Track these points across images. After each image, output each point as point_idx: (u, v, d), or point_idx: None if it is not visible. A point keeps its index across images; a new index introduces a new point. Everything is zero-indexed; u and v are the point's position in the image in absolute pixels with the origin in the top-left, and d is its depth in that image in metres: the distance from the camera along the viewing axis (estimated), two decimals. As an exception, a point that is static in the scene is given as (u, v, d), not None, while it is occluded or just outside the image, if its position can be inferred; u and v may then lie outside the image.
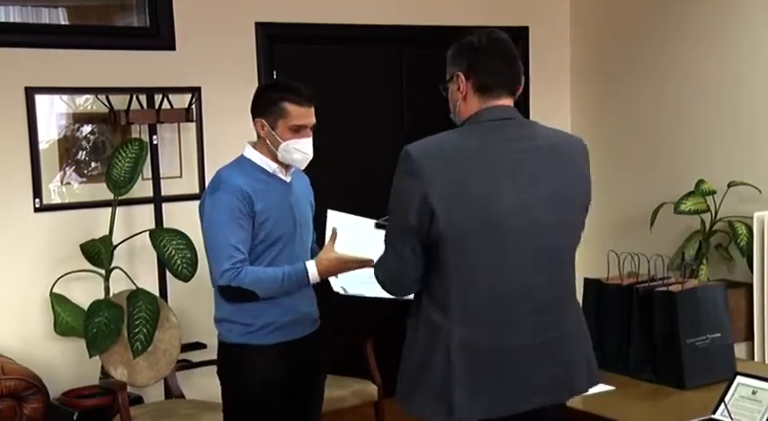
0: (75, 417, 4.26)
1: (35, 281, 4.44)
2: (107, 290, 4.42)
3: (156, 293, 4.54)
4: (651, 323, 3.07)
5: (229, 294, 3.07)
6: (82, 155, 4.63)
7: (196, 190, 4.79)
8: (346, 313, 4.02)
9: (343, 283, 3.11)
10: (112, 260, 4.44)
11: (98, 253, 4.41)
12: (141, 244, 4.58)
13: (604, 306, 3.22)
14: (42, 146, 4.52)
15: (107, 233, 4.40)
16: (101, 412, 4.28)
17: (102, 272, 4.43)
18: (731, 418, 2.61)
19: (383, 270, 2.52)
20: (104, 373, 4.34)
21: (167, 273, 4.51)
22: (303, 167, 3.22)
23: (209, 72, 4.88)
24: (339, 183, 4.96)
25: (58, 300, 4.34)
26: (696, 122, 5.34)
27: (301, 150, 3.13)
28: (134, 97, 4.57)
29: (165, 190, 4.70)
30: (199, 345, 4.71)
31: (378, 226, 2.85)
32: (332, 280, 3.11)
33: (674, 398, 2.96)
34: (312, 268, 3.02)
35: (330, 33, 5.23)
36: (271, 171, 3.17)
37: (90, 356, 4.22)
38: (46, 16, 4.62)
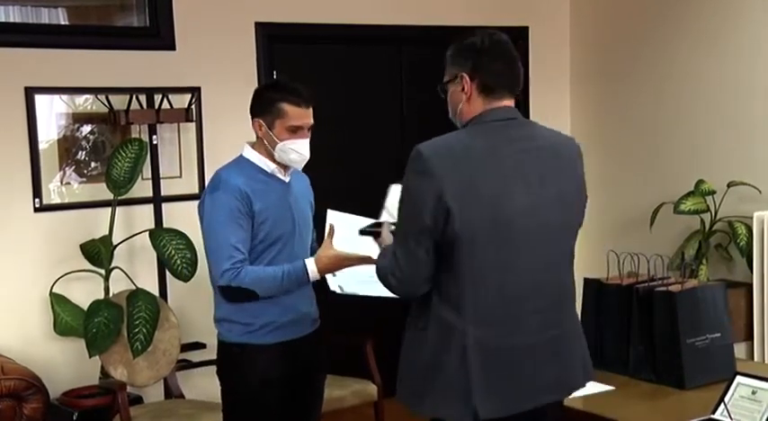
0: (74, 417, 4.26)
1: (35, 281, 4.44)
2: (107, 290, 4.42)
3: (156, 293, 4.54)
4: (651, 323, 3.07)
5: (230, 294, 3.08)
6: (82, 155, 4.63)
7: (196, 190, 4.79)
8: (346, 313, 4.02)
9: (341, 282, 3.12)
10: (112, 260, 4.44)
11: (98, 253, 4.41)
12: (141, 244, 4.58)
13: (604, 306, 3.22)
14: (42, 146, 4.52)
15: (107, 233, 4.40)
16: (100, 412, 4.28)
17: (102, 272, 4.43)
18: (731, 418, 2.61)
19: (393, 271, 2.47)
20: (104, 373, 4.34)
21: (167, 273, 4.51)
22: (300, 168, 3.22)
23: (208, 72, 4.88)
24: (339, 182, 4.96)
25: (57, 300, 4.34)
26: (696, 122, 5.34)
27: (298, 151, 3.13)
28: (134, 97, 4.57)
29: (165, 190, 4.70)
30: (198, 345, 4.71)
31: (362, 233, 2.84)
32: (329, 279, 3.11)
33: (673, 398, 2.96)
34: (311, 266, 3.02)
35: (330, 33, 5.23)
36: (269, 171, 3.18)
37: (90, 356, 4.22)
38: (46, 16, 4.62)
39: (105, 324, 4.16)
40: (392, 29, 5.42)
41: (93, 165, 4.66)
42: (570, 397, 2.91)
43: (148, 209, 4.67)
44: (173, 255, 4.34)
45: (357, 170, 5.35)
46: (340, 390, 4.36)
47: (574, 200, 2.57)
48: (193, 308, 4.59)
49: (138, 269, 4.63)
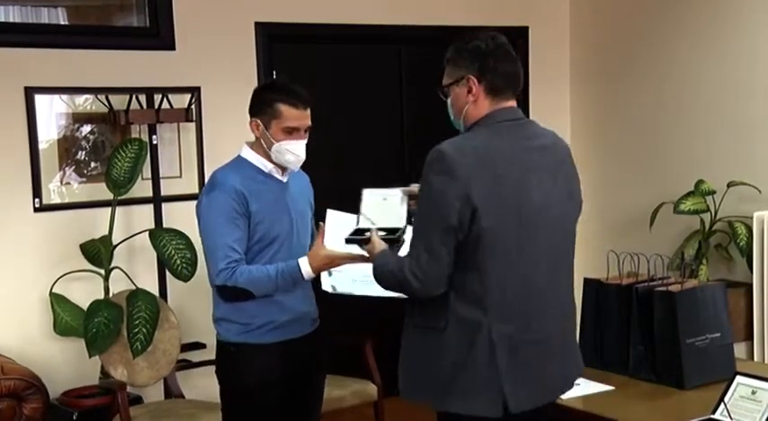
0: (74, 417, 4.26)
1: (35, 281, 4.44)
2: (107, 290, 4.42)
3: (156, 293, 4.54)
4: (651, 323, 3.07)
5: (226, 293, 3.09)
6: (81, 155, 4.63)
7: (196, 190, 4.79)
8: (346, 313, 4.02)
9: (334, 282, 3.12)
10: (112, 260, 4.44)
11: (98, 253, 4.41)
12: (141, 244, 4.58)
13: (604, 306, 3.22)
14: (42, 146, 4.52)
15: (107, 233, 4.40)
16: (100, 412, 4.28)
17: (102, 272, 4.43)
18: (731, 418, 2.61)
19: (414, 271, 2.47)
20: (104, 373, 4.34)
21: (167, 272, 4.51)
22: (296, 169, 3.22)
23: (208, 72, 4.88)
24: (339, 182, 4.95)
25: (57, 300, 4.34)
26: (696, 122, 5.34)
27: (294, 152, 3.13)
28: (134, 97, 4.57)
29: (165, 190, 4.70)
30: (198, 345, 4.71)
31: (349, 241, 2.84)
32: (323, 278, 3.12)
33: (673, 398, 2.96)
34: (305, 265, 3.02)
35: (330, 33, 5.23)
36: (267, 171, 3.18)
37: (90, 356, 4.22)
38: (46, 16, 4.62)
39: (105, 324, 4.16)
40: (392, 29, 5.42)
41: (92, 164, 4.66)
42: (570, 396, 2.92)
43: (148, 209, 4.67)
44: (173, 255, 4.34)
45: (357, 170, 5.35)
46: (340, 390, 4.36)
47: (575, 196, 2.67)
48: (193, 308, 4.59)
49: (137, 269, 4.63)
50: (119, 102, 4.57)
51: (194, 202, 3.22)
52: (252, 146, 3.20)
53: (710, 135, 5.26)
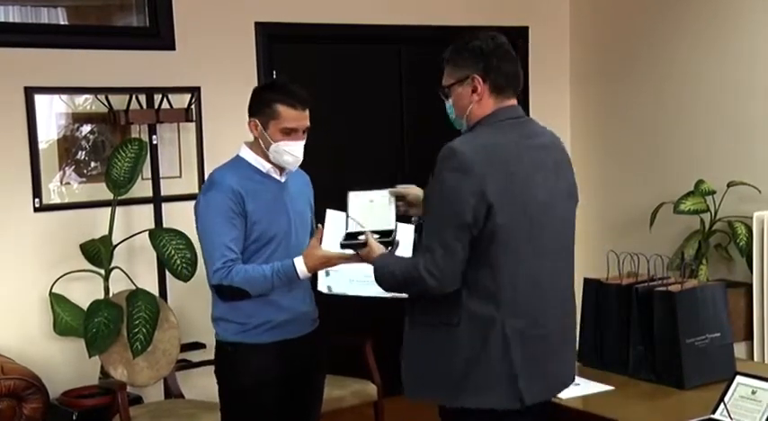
0: (74, 417, 4.26)
1: (35, 280, 4.44)
2: (107, 290, 4.42)
3: (156, 293, 4.55)
4: (650, 323, 3.07)
5: (222, 293, 3.10)
6: (81, 155, 4.63)
7: (196, 190, 4.78)
8: (346, 313, 4.02)
9: (330, 283, 3.12)
10: (112, 260, 4.44)
11: (98, 253, 4.41)
12: (141, 244, 4.58)
13: (604, 306, 3.22)
14: (42, 146, 4.52)
15: (107, 233, 4.40)
16: (100, 412, 4.29)
17: (102, 272, 4.43)
18: (731, 418, 2.61)
19: (430, 269, 2.48)
20: (104, 373, 4.34)
21: (167, 272, 4.51)
22: (294, 169, 3.22)
23: (208, 72, 4.88)
24: (339, 182, 4.94)
25: (57, 300, 4.35)
26: (696, 122, 5.34)
27: (292, 153, 3.13)
28: (133, 97, 4.57)
29: (165, 190, 4.70)
30: (198, 345, 4.71)
31: (344, 246, 2.84)
32: (320, 279, 3.13)
33: (673, 398, 2.96)
34: (300, 264, 3.02)
35: (330, 33, 5.23)
36: (264, 171, 3.18)
37: (89, 356, 4.22)
38: (45, 16, 4.62)
39: (105, 324, 4.16)
40: (392, 29, 5.42)
41: (92, 164, 4.66)
42: (570, 396, 2.92)
43: (148, 209, 4.67)
44: (172, 254, 4.34)
45: (357, 170, 5.35)
46: (340, 390, 4.36)
47: (574, 195, 2.73)
48: (193, 308, 4.59)
49: (137, 269, 4.63)
50: (119, 102, 4.58)
51: (194, 202, 3.23)
52: (250, 146, 3.20)
53: (710, 135, 5.26)
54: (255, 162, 3.18)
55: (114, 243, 4.43)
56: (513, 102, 2.65)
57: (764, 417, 2.59)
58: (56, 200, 4.56)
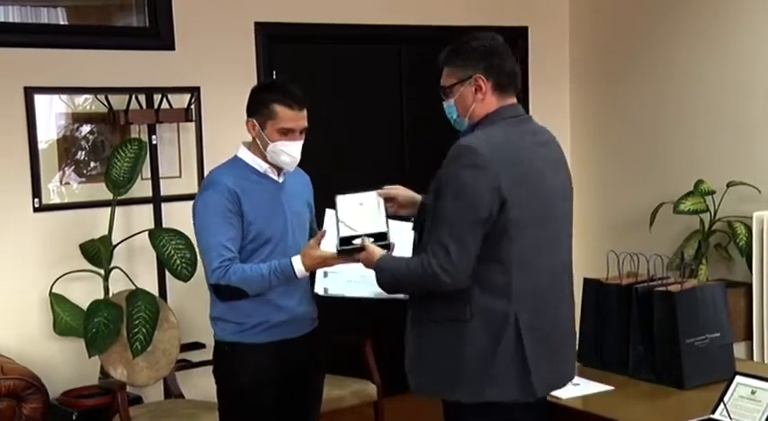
0: (74, 417, 4.26)
1: (35, 280, 4.44)
2: (106, 290, 4.42)
3: (156, 293, 4.55)
4: (650, 323, 3.07)
5: (220, 292, 3.10)
6: (81, 155, 4.63)
7: (195, 190, 4.76)
8: (346, 313, 4.01)
9: (327, 284, 3.11)
10: (112, 260, 4.44)
11: (97, 253, 4.41)
12: (140, 244, 4.58)
13: (604, 306, 3.22)
14: (41, 146, 4.52)
15: (106, 233, 4.40)
16: (100, 412, 4.29)
17: (102, 272, 4.43)
18: (730, 418, 2.61)
19: (444, 266, 2.50)
20: (104, 373, 4.34)
21: (167, 272, 4.51)
22: (291, 169, 3.22)
23: (208, 72, 4.88)
24: (339, 182, 4.95)
25: (57, 300, 4.34)
26: (695, 122, 5.34)
27: (289, 153, 3.13)
28: (133, 97, 4.57)
29: (165, 190, 4.70)
30: (198, 345, 4.71)
31: (341, 252, 2.84)
32: (317, 280, 3.12)
33: (673, 398, 2.96)
34: (298, 263, 3.01)
35: (330, 33, 5.23)
36: (262, 171, 3.18)
37: (89, 356, 4.22)
38: (45, 16, 4.62)
39: (105, 324, 4.16)
40: (392, 29, 5.42)
41: (92, 164, 4.66)
42: (570, 396, 2.92)
43: (148, 209, 4.67)
44: (172, 254, 4.33)
45: (357, 170, 5.35)
46: (339, 390, 4.36)
47: (571, 189, 2.80)
48: (193, 308, 4.59)
49: (137, 269, 4.63)
50: (118, 102, 4.57)
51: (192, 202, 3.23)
52: (249, 146, 3.21)
53: (710, 135, 5.26)
54: (253, 162, 3.18)
55: (114, 243, 4.43)
56: (514, 100, 2.70)
57: (764, 417, 2.59)
58: (55, 200, 4.56)
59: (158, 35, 4.76)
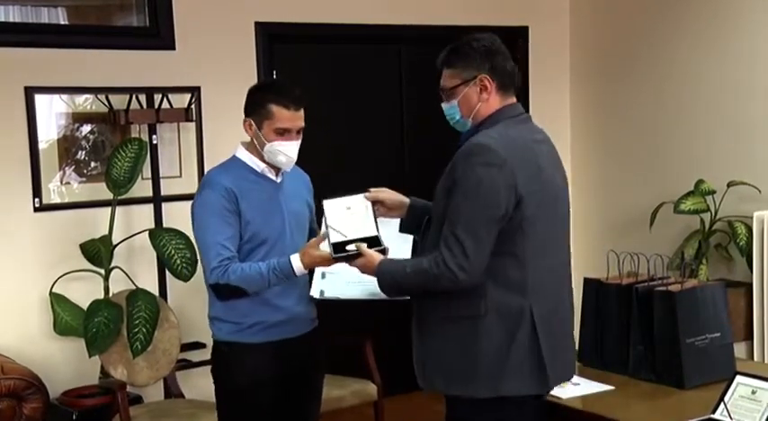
0: (74, 417, 4.26)
1: (35, 280, 4.44)
2: (107, 289, 4.42)
3: (156, 293, 4.54)
4: (651, 323, 3.07)
5: (220, 292, 3.10)
6: (81, 154, 4.63)
7: (196, 190, 4.75)
8: (346, 313, 4.01)
9: (324, 286, 3.10)
10: (112, 260, 4.44)
11: (98, 252, 4.41)
12: (141, 244, 4.58)
13: (604, 306, 3.22)
14: (42, 145, 4.52)
15: (107, 233, 4.40)
16: (100, 412, 4.28)
17: (102, 271, 4.43)
18: (731, 418, 2.61)
19: (461, 263, 2.51)
20: (104, 373, 4.34)
21: (167, 272, 4.51)
22: (288, 169, 3.21)
23: (208, 72, 4.88)
24: (339, 182, 4.95)
25: (57, 300, 4.34)
26: (696, 122, 5.34)
27: (285, 153, 3.13)
28: (133, 97, 4.57)
29: (165, 189, 4.70)
30: (198, 345, 4.71)
31: (338, 259, 2.83)
32: (314, 282, 3.11)
33: (673, 398, 2.96)
34: (296, 261, 3.01)
35: (330, 33, 5.23)
36: (259, 171, 3.18)
37: (89, 356, 4.22)
38: (46, 16, 4.62)
39: (105, 324, 4.16)
40: (392, 29, 5.42)
41: (92, 164, 4.66)
42: (570, 396, 2.92)
43: (148, 208, 4.67)
44: (172, 254, 4.33)
45: (357, 170, 5.35)
46: (339, 390, 4.36)
47: (567, 187, 2.82)
48: (193, 307, 4.58)
49: (137, 269, 4.63)
50: (119, 101, 4.58)
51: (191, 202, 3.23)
52: (247, 146, 3.21)
53: (710, 135, 5.26)
54: (250, 162, 3.18)
55: (114, 243, 4.43)
56: (515, 99, 2.73)
57: (764, 417, 2.59)
58: (56, 199, 4.56)
59: (158, 35, 4.76)
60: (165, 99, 4.61)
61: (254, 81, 4.87)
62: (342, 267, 2.97)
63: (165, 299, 4.64)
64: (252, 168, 3.18)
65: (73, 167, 4.61)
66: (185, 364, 4.62)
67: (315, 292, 3.12)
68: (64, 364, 4.49)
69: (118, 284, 4.45)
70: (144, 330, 4.20)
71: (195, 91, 4.80)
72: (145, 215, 4.66)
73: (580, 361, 3.22)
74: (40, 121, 4.50)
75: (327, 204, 2.91)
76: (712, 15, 5.22)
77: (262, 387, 3.17)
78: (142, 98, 4.62)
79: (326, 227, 2.85)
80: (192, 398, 4.48)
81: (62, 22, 4.68)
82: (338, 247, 2.81)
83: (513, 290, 2.58)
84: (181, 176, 4.83)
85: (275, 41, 5.10)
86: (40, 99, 4.49)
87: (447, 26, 5.37)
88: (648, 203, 5.34)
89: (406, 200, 2.96)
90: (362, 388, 4.47)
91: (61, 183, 4.58)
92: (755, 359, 4.69)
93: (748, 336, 4.78)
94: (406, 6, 5.43)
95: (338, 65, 5.41)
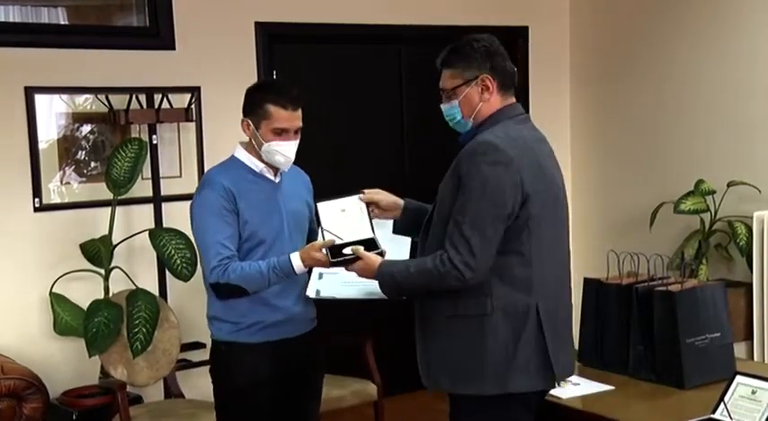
0: (74, 417, 4.26)
1: (35, 280, 4.44)
2: (107, 289, 4.42)
3: (156, 293, 4.54)
4: (651, 323, 3.07)
5: (220, 291, 3.10)
6: (81, 154, 4.63)
7: (195, 190, 4.79)
8: (346, 313, 4.01)
9: (320, 286, 3.10)
10: (112, 260, 4.44)
11: (98, 252, 4.41)
12: (141, 243, 4.58)
13: (604, 306, 3.22)
14: (42, 145, 4.52)
15: (107, 233, 4.40)
16: (100, 412, 4.28)
17: (102, 271, 4.43)
18: (731, 418, 2.61)
19: (468, 262, 2.52)
20: (104, 373, 4.34)
21: (167, 272, 4.51)
22: (286, 169, 3.21)
23: (208, 72, 4.88)
24: (339, 182, 4.95)
25: (57, 300, 4.34)
26: (696, 122, 5.34)
27: (283, 153, 3.13)
28: (133, 97, 4.57)
29: (165, 189, 4.70)
30: (198, 345, 4.71)
31: (335, 264, 2.83)
32: (310, 283, 3.12)
33: (673, 398, 2.96)
34: (296, 259, 3.00)
35: (330, 33, 5.23)
36: (258, 171, 3.19)
37: (89, 356, 4.22)
38: (46, 16, 4.62)
39: (105, 324, 4.16)
40: (392, 29, 5.42)
41: (92, 164, 4.66)
42: (570, 396, 2.93)
43: (148, 208, 4.67)
44: (172, 254, 4.33)
45: (357, 170, 5.35)
46: (339, 390, 4.36)
47: (564, 186, 2.85)
48: (193, 307, 4.58)
49: (137, 269, 4.63)
50: (119, 101, 4.58)
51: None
52: (245, 146, 3.21)
53: (710, 135, 5.26)
54: (249, 162, 3.18)
55: (114, 243, 4.43)
56: (514, 99, 2.75)
57: (764, 417, 2.59)
58: (56, 200, 4.56)
59: (158, 35, 4.76)
60: (165, 99, 4.61)
61: (254, 81, 4.88)
62: (340, 268, 2.97)
63: (165, 299, 4.64)
64: (250, 168, 3.18)
65: (73, 167, 4.61)
66: (185, 364, 4.62)
67: (311, 292, 3.13)
68: (64, 364, 4.49)
69: (118, 284, 4.45)
70: (144, 330, 4.20)
71: (195, 91, 4.80)
72: (145, 215, 4.66)
73: (580, 361, 3.22)
74: (40, 121, 4.50)
75: (321, 207, 2.91)
76: (712, 15, 5.22)
77: (261, 387, 3.17)
78: (142, 98, 4.62)
79: (321, 230, 2.85)
80: (191, 398, 4.48)
81: (62, 22, 4.68)
82: (335, 251, 2.81)
83: (520, 288, 2.60)
84: (181, 176, 4.83)
85: (275, 41, 5.10)
86: (39, 99, 4.49)
87: (447, 26, 5.37)
88: (648, 203, 5.34)
89: (401, 201, 2.97)
90: (362, 388, 4.47)
91: (61, 183, 4.58)
92: (755, 359, 4.69)
93: (748, 336, 4.78)
94: (406, 6, 5.43)
95: (338, 65, 5.41)
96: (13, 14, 4.52)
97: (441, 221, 2.63)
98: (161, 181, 4.68)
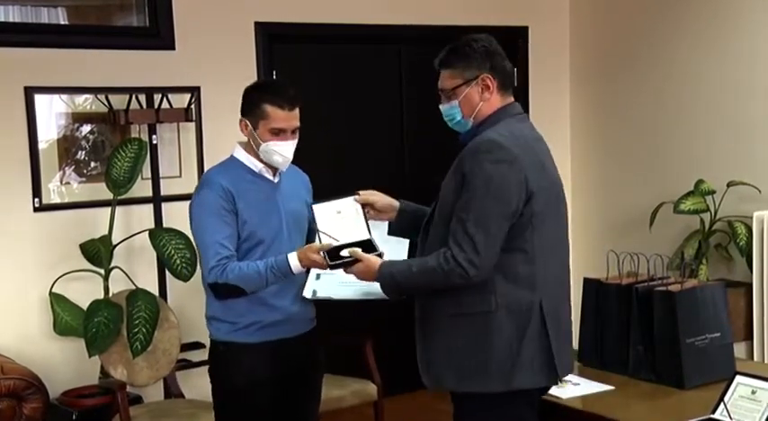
0: (74, 417, 4.26)
1: (34, 280, 4.44)
2: (106, 289, 4.42)
3: (156, 293, 4.54)
4: (651, 323, 3.07)
5: (218, 291, 3.10)
6: (81, 154, 4.63)
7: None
8: (345, 313, 4.01)
9: (317, 287, 3.11)
10: (112, 260, 4.44)
11: (97, 252, 4.41)
12: (141, 244, 4.58)
13: (604, 306, 3.22)
14: (42, 145, 4.52)
15: (106, 233, 4.40)
16: (100, 412, 4.28)
17: (102, 271, 4.43)
18: (731, 418, 2.61)
19: (472, 260, 2.53)
20: (104, 373, 4.34)
21: (167, 272, 4.51)
22: (284, 169, 3.21)
23: (208, 72, 4.88)
24: (339, 182, 4.95)
25: (57, 300, 4.34)
26: (696, 122, 5.34)
27: (281, 153, 3.13)
28: (133, 97, 4.57)
29: (165, 189, 4.70)
30: (198, 345, 4.71)
31: (334, 267, 2.83)
32: (307, 283, 3.12)
33: (673, 398, 2.96)
34: (294, 259, 3.00)
35: (330, 33, 5.23)
36: (257, 171, 3.19)
37: (89, 356, 4.22)
38: (46, 16, 4.62)
39: (105, 324, 4.16)
40: (392, 29, 5.42)
41: (92, 164, 4.66)
42: (570, 396, 2.93)
43: (148, 208, 4.67)
44: (172, 254, 4.33)
45: (357, 170, 5.35)
46: (339, 390, 4.36)
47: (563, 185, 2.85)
48: (193, 307, 4.57)
49: (137, 269, 4.63)
50: (118, 101, 4.58)
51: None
52: (244, 146, 3.22)
53: (710, 135, 5.26)
54: (248, 162, 3.19)
55: (114, 243, 4.43)
56: (513, 98, 2.76)
57: (764, 417, 2.59)
58: (56, 200, 4.56)
59: (158, 35, 4.76)
60: (164, 99, 4.61)
61: (254, 81, 4.88)
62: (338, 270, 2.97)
63: (165, 299, 4.64)
64: (249, 168, 3.18)
65: (73, 167, 4.61)
66: (185, 364, 4.62)
67: (308, 293, 3.13)
68: (64, 364, 4.49)
69: (118, 284, 4.45)
70: (144, 330, 4.20)
71: (195, 91, 4.80)
72: (145, 215, 4.66)
73: (580, 360, 3.22)
74: (40, 121, 4.50)
75: (317, 208, 2.90)
76: (712, 15, 5.22)
77: (259, 387, 3.17)
78: (142, 98, 4.62)
79: (317, 232, 2.84)
80: (191, 398, 4.48)
81: (62, 22, 4.68)
82: (332, 253, 2.80)
83: (523, 285, 2.61)
84: (181, 176, 4.83)
85: (275, 41, 5.09)
86: (39, 99, 4.49)
87: (447, 26, 5.37)
88: (648, 203, 5.34)
89: (396, 202, 2.97)
90: (362, 388, 4.47)
91: (61, 183, 4.58)
92: (755, 359, 4.69)
93: (748, 336, 4.78)
94: (406, 6, 5.43)
95: (338, 65, 5.41)
96: (13, 14, 4.52)
97: (442, 220, 2.63)
98: (161, 181, 4.68)
